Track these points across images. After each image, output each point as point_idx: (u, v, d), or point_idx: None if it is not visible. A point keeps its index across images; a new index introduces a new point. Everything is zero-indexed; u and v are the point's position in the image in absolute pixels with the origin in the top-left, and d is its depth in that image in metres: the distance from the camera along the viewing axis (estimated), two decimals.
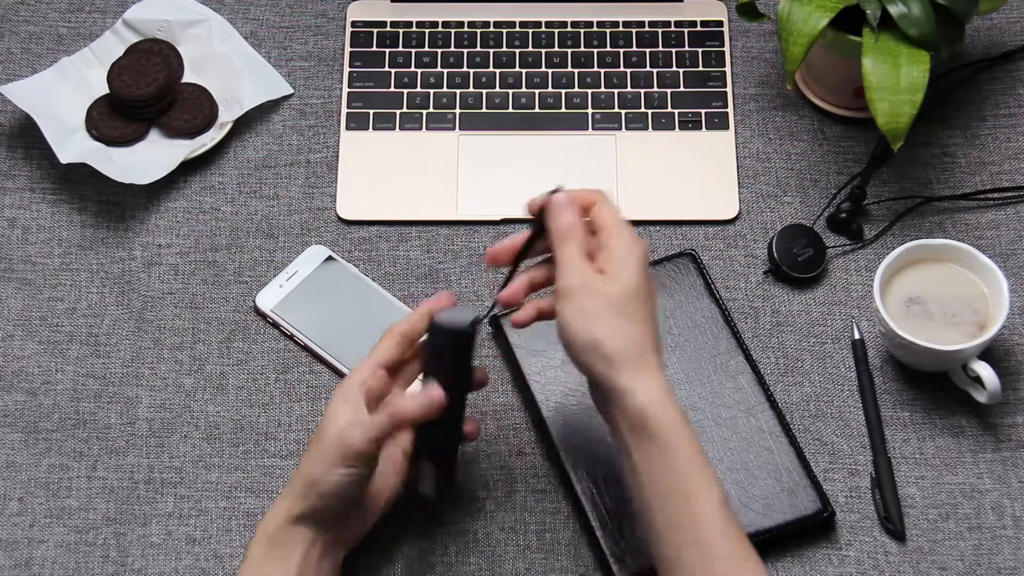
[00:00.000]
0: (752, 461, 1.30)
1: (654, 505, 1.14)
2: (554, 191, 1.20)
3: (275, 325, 1.38)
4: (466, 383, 1.24)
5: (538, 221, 1.21)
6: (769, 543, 1.27)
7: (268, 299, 1.38)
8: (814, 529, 1.29)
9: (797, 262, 1.39)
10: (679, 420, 1.15)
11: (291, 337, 1.37)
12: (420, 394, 1.21)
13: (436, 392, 1.21)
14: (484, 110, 1.48)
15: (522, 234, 1.23)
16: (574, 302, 1.16)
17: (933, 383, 1.35)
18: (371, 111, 1.49)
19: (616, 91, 1.49)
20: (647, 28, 1.52)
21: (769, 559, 1.28)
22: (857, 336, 1.36)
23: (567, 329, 1.16)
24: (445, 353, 1.22)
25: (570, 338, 1.16)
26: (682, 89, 1.49)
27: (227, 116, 1.47)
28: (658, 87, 1.49)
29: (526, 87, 1.49)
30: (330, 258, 1.40)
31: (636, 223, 1.42)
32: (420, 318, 1.24)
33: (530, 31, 1.52)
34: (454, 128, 1.48)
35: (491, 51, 1.51)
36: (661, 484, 1.14)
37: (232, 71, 1.49)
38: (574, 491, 1.29)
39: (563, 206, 1.19)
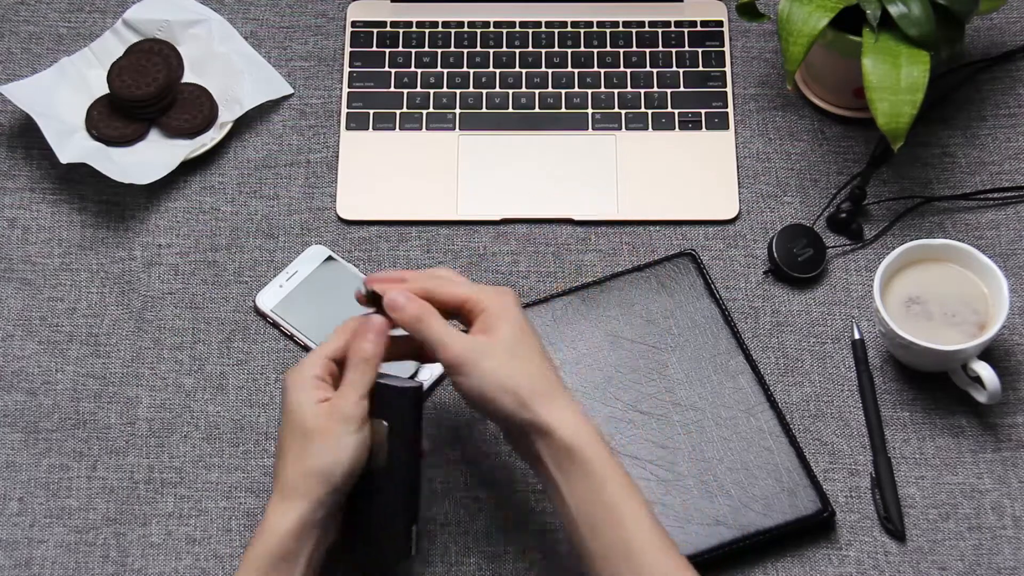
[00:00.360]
0: (752, 461, 1.30)
1: (587, 534, 1.15)
2: (370, 292, 1.22)
3: (275, 325, 1.38)
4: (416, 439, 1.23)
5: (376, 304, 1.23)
6: (769, 543, 1.27)
7: (268, 299, 1.38)
8: (814, 529, 1.29)
9: (797, 262, 1.39)
10: (602, 446, 1.16)
11: (291, 337, 1.37)
12: (364, 330, 1.20)
13: (375, 319, 1.21)
14: (484, 110, 1.48)
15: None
16: (470, 368, 1.17)
17: (933, 383, 1.35)
18: (371, 111, 1.49)
19: (616, 91, 1.49)
20: (647, 28, 1.52)
21: (769, 559, 1.28)
22: (857, 336, 1.36)
23: (475, 394, 1.17)
24: (397, 412, 1.22)
25: (480, 398, 1.17)
26: (682, 89, 1.49)
27: (227, 116, 1.48)
28: (658, 87, 1.49)
29: (526, 87, 1.49)
30: (330, 258, 1.40)
31: (636, 223, 1.43)
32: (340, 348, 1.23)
33: (530, 31, 1.52)
34: (454, 128, 1.48)
35: (491, 51, 1.51)
36: (593, 512, 1.15)
37: (232, 71, 1.49)
38: None
39: (400, 301, 1.20)
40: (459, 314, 1.22)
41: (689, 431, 1.31)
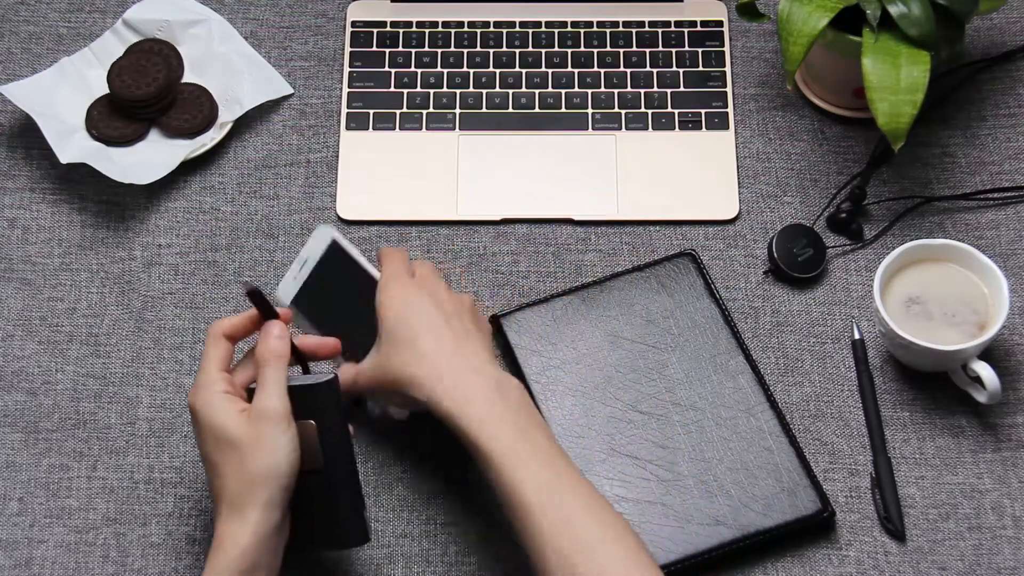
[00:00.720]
0: (752, 461, 1.30)
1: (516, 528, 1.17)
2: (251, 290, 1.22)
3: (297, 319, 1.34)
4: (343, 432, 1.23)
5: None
6: (769, 543, 1.27)
7: (287, 291, 1.34)
8: (814, 529, 1.29)
9: (797, 262, 1.39)
10: (500, 427, 1.19)
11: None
12: (268, 331, 1.21)
13: (272, 324, 1.22)
14: (484, 110, 1.48)
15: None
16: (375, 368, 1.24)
17: (933, 383, 1.35)
18: (371, 111, 1.49)
19: (616, 91, 1.49)
20: (647, 28, 1.52)
21: (769, 559, 1.28)
22: (857, 336, 1.36)
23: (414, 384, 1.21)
24: (320, 407, 1.22)
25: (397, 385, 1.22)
26: (682, 89, 1.49)
27: (227, 116, 1.48)
28: (658, 87, 1.49)
29: (526, 87, 1.49)
30: (334, 243, 1.36)
31: (636, 223, 1.43)
32: (246, 321, 1.24)
33: (530, 31, 1.52)
34: (454, 128, 1.48)
35: (491, 51, 1.51)
36: (506, 506, 1.17)
37: (232, 71, 1.49)
38: None
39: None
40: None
41: (689, 431, 1.31)
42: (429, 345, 1.22)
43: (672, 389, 1.33)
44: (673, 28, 1.52)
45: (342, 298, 1.31)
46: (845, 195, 1.43)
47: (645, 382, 1.33)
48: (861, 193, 1.42)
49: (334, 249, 1.31)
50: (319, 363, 1.27)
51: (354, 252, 1.31)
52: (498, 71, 1.50)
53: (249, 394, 1.21)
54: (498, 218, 1.44)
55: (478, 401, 1.19)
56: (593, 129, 1.47)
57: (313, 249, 1.32)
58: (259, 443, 1.16)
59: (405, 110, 1.49)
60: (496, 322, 1.36)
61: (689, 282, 1.38)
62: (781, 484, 1.29)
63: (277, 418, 1.17)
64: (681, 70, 1.50)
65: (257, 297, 1.22)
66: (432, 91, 1.49)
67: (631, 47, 1.51)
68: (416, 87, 1.50)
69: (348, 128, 1.48)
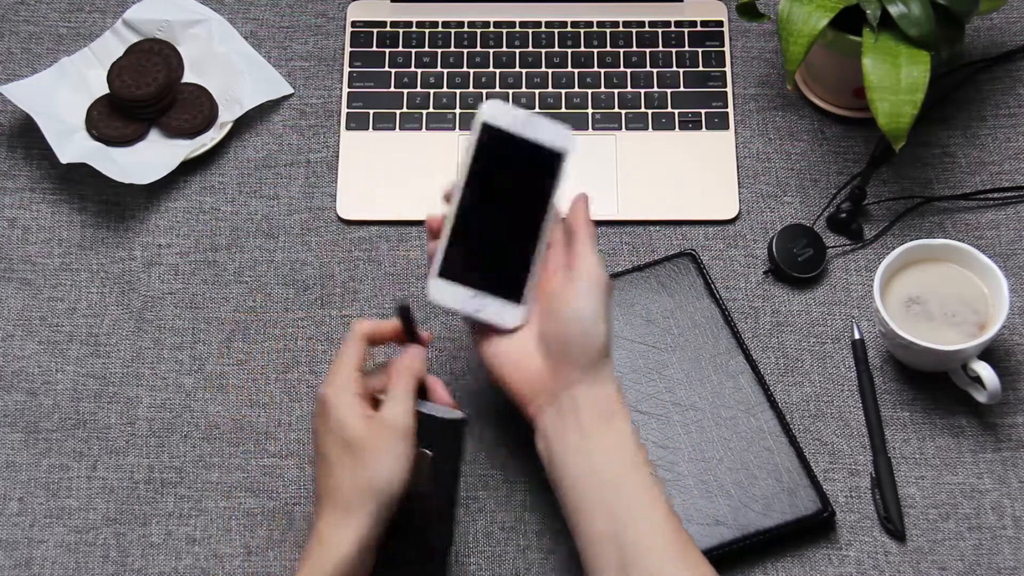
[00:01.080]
0: (752, 461, 1.30)
1: (609, 482, 1.16)
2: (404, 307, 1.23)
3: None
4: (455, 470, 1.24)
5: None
6: (769, 543, 1.27)
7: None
8: (814, 529, 1.29)
9: (797, 262, 1.39)
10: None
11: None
12: (407, 354, 1.22)
13: (413, 349, 1.22)
14: None
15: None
16: (605, 291, 1.21)
17: (933, 383, 1.35)
18: (371, 111, 1.49)
19: (616, 91, 1.49)
20: (647, 28, 1.52)
21: (769, 559, 1.28)
22: (857, 336, 1.36)
23: (583, 315, 1.20)
24: (442, 442, 1.22)
25: (580, 323, 1.19)
26: (682, 89, 1.49)
27: (227, 116, 1.48)
28: (658, 87, 1.49)
29: (526, 87, 1.49)
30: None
31: (636, 223, 1.43)
32: (389, 328, 1.24)
33: (530, 31, 1.52)
34: (454, 128, 1.48)
35: (491, 51, 1.51)
36: (623, 459, 1.17)
37: (232, 71, 1.49)
38: None
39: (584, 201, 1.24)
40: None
41: (689, 431, 1.31)
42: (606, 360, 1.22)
43: (672, 389, 1.33)
44: (673, 28, 1.52)
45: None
46: (845, 195, 1.43)
47: (645, 382, 1.33)
48: (861, 193, 1.42)
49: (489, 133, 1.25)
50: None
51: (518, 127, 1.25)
52: (498, 71, 1.50)
53: (374, 407, 1.21)
54: None
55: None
56: (593, 129, 1.47)
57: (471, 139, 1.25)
58: (380, 452, 1.16)
59: (405, 110, 1.49)
60: None
61: (689, 282, 1.38)
62: (781, 484, 1.29)
63: (403, 432, 1.17)
64: (681, 70, 1.50)
65: (406, 316, 1.23)
66: (432, 91, 1.49)
67: (631, 47, 1.51)
68: (416, 87, 1.50)
69: (348, 128, 1.48)
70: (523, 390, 1.21)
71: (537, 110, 1.24)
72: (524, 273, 1.23)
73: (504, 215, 1.24)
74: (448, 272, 1.24)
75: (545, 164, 1.24)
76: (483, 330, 1.24)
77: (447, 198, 1.25)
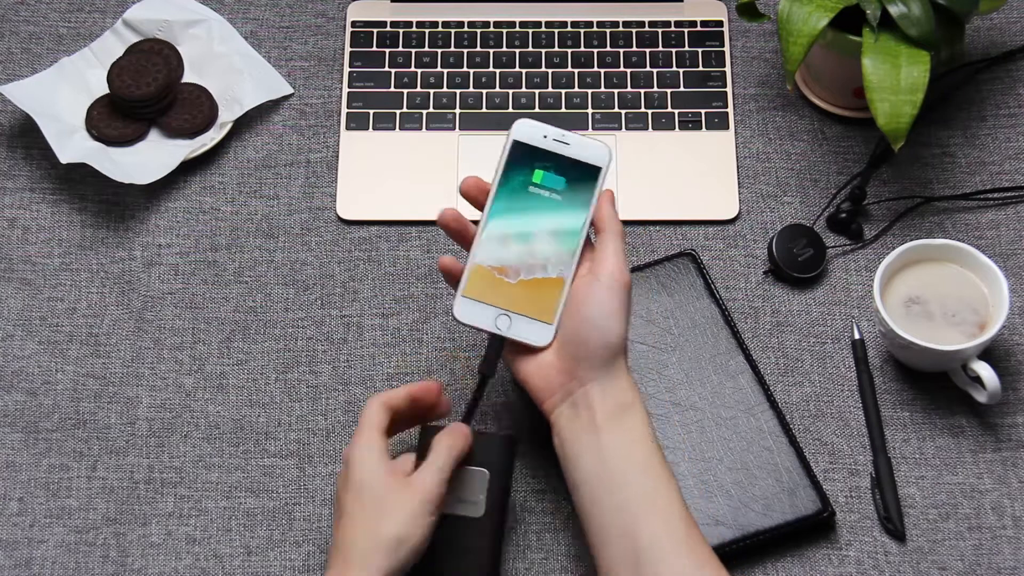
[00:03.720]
0: (752, 461, 1.30)
1: (623, 480, 1.16)
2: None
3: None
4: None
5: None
6: (769, 543, 1.27)
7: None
8: (814, 529, 1.29)
9: (797, 262, 1.39)
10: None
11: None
12: (453, 433, 1.21)
13: (460, 428, 1.22)
14: (484, 110, 1.48)
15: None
16: (626, 292, 1.21)
17: (933, 383, 1.35)
18: (371, 111, 1.49)
19: (616, 91, 1.49)
20: (647, 28, 1.52)
21: (769, 559, 1.28)
22: (857, 336, 1.36)
23: (601, 316, 1.19)
24: (496, 460, 1.24)
25: (597, 324, 1.19)
26: (682, 89, 1.49)
27: (227, 116, 1.48)
28: (658, 87, 1.49)
29: (526, 87, 1.49)
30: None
31: (636, 223, 1.43)
32: (404, 398, 1.24)
33: (530, 31, 1.52)
34: (454, 128, 1.48)
35: (491, 51, 1.51)
36: (637, 457, 1.17)
37: (232, 71, 1.49)
38: None
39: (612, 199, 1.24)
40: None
41: (689, 431, 1.31)
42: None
43: (672, 389, 1.33)
44: (673, 28, 1.52)
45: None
46: (845, 195, 1.43)
47: (645, 382, 1.33)
48: (861, 193, 1.42)
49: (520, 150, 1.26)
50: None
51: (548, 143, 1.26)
52: (498, 71, 1.50)
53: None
54: None
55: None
56: (593, 129, 1.47)
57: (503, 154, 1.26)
58: (398, 510, 1.16)
59: (405, 110, 1.49)
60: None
61: (689, 282, 1.38)
62: (781, 484, 1.29)
63: (429, 497, 1.17)
64: (681, 70, 1.50)
65: (481, 387, 1.23)
66: (432, 91, 1.49)
67: (631, 47, 1.51)
68: (416, 87, 1.50)
69: (348, 128, 1.48)
70: (540, 386, 1.21)
71: (564, 129, 1.24)
72: (556, 291, 1.23)
73: (535, 233, 1.24)
74: (475, 290, 1.23)
75: (580, 180, 1.24)
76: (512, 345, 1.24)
77: (466, 194, 1.24)
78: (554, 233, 1.23)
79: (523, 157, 1.24)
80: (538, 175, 1.24)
